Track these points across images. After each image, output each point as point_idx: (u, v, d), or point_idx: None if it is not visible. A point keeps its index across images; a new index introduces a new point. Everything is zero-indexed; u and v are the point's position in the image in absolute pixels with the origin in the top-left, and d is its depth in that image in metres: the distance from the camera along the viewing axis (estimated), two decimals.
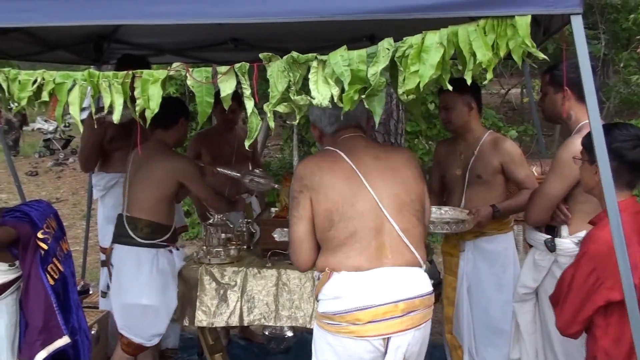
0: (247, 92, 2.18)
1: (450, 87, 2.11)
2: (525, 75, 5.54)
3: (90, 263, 6.29)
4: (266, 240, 3.83)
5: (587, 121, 2.85)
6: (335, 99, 2.12)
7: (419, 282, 2.47)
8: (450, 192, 3.75)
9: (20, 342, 2.84)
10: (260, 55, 2.17)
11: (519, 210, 3.52)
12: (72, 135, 14.69)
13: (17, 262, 2.83)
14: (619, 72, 10.91)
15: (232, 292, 3.63)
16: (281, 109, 2.19)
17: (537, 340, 3.12)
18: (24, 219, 2.80)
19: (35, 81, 2.28)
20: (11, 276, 2.81)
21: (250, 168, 4.74)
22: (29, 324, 2.79)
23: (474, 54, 2.05)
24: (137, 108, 2.25)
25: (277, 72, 2.15)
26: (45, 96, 2.27)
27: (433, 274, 3.36)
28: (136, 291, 3.62)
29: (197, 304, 3.63)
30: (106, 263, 4.04)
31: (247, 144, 2.21)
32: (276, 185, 4.08)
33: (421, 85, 2.05)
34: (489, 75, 2.07)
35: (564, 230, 2.93)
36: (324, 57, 2.13)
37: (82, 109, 2.33)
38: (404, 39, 2.09)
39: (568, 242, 2.91)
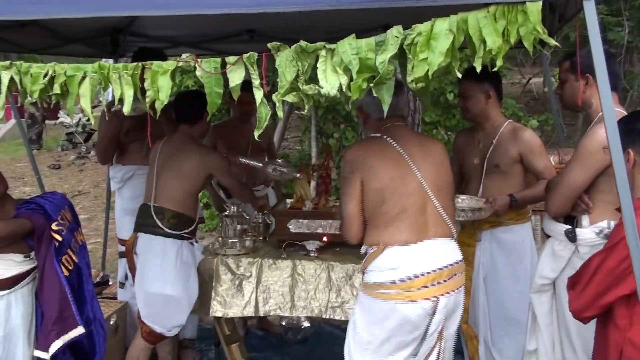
0: (255, 82, 2.18)
1: (459, 75, 2.09)
2: (544, 64, 5.46)
3: (111, 255, 6.35)
4: (282, 231, 3.84)
5: (614, 109, 2.83)
6: (344, 87, 2.10)
7: (455, 251, 2.85)
8: (468, 181, 3.73)
9: (37, 333, 2.88)
10: (269, 45, 2.16)
11: (537, 200, 3.49)
12: (93, 128, 14.81)
13: (32, 254, 2.86)
14: None
15: (247, 282, 3.64)
16: (290, 98, 2.18)
17: (554, 332, 3.09)
18: (39, 211, 2.83)
19: (46, 74, 2.29)
20: (26, 267, 2.85)
21: (266, 159, 4.75)
22: (45, 315, 2.82)
23: (484, 41, 2.02)
24: (147, 100, 2.26)
25: (286, 61, 2.14)
26: (56, 89, 2.29)
27: None
28: (160, 281, 3.66)
29: (213, 294, 3.65)
30: (124, 254, 4.08)
31: (256, 134, 2.22)
32: (298, 175, 4.11)
33: (430, 73, 2.03)
34: (499, 62, 2.04)
35: (585, 220, 2.89)
36: (332, 46, 2.11)
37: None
38: (413, 26, 2.07)
39: (589, 232, 2.87)
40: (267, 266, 3.64)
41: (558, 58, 7.04)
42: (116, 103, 2.30)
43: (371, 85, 2.10)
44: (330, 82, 2.10)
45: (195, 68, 2.21)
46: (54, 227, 2.82)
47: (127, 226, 4.23)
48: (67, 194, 10.32)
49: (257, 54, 2.18)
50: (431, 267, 2.72)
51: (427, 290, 2.71)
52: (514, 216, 3.56)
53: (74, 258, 2.91)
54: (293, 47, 2.13)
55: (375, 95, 2.16)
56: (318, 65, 2.12)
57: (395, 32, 2.07)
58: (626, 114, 2.67)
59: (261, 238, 3.98)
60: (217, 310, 3.65)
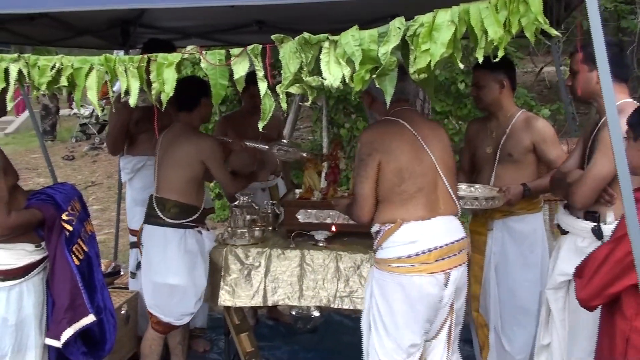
0: (260, 73, 2.19)
1: (461, 65, 2.09)
2: (554, 54, 5.43)
3: (123, 245, 6.40)
4: (290, 221, 3.86)
5: (626, 100, 2.81)
6: (347, 79, 2.12)
7: (460, 228, 3.03)
8: (480, 170, 3.73)
9: (48, 321, 2.92)
10: (273, 37, 2.18)
11: (549, 190, 3.47)
12: (107, 120, 14.90)
13: (43, 243, 2.90)
14: None
15: (256, 272, 3.67)
16: (294, 90, 2.19)
17: (565, 327, 3.09)
18: (49, 201, 2.87)
19: (53, 66, 2.32)
20: (37, 257, 2.89)
21: None
22: (56, 303, 2.86)
23: (485, 32, 2.03)
24: (153, 92, 2.28)
25: (289, 53, 2.15)
26: (63, 81, 2.32)
27: None
28: (164, 271, 3.70)
29: (221, 283, 3.68)
30: (135, 245, 4.12)
31: (260, 125, 2.23)
32: (304, 154, 4.13)
33: (432, 64, 2.04)
34: (501, 53, 2.05)
35: (610, 216, 2.85)
36: (335, 38, 2.12)
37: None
38: (415, 17, 2.08)
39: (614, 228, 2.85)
40: (276, 256, 3.67)
41: (571, 47, 7.00)
42: (122, 95, 2.32)
43: (374, 76, 2.11)
44: (333, 73, 2.11)
45: (200, 60, 2.23)
46: (64, 217, 2.86)
47: (137, 217, 4.26)
48: (81, 184, 10.43)
49: (261, 45, 2.20)
50: (444, 241, 2.89)
51: (441, 263, 2.87)
52: (526, 206, 3.57)
53: (84, 247, 2.95)
54: (296, 38, 2.14)
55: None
56: (321, 56, 2.14)
57: (397, 24, 2.08)
58: (638, 104, 2.66)
59: (270, 228, 4.00)
60: (225, 299, 3.69)
